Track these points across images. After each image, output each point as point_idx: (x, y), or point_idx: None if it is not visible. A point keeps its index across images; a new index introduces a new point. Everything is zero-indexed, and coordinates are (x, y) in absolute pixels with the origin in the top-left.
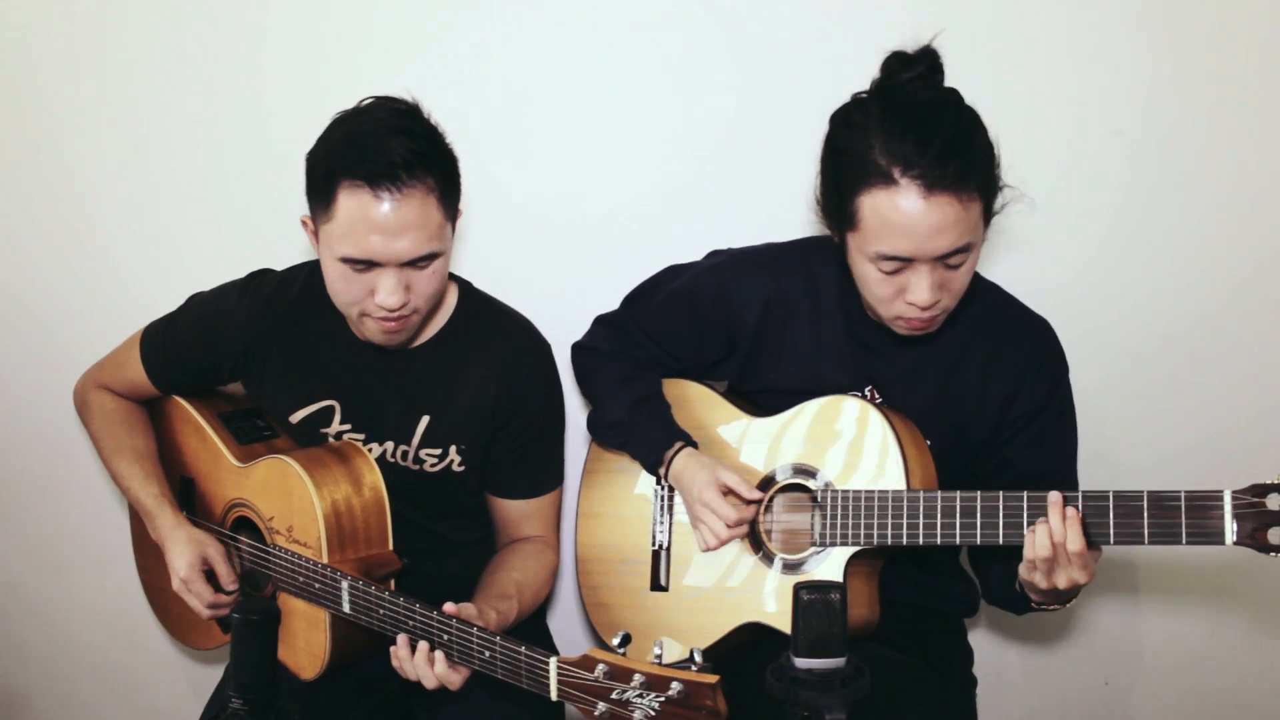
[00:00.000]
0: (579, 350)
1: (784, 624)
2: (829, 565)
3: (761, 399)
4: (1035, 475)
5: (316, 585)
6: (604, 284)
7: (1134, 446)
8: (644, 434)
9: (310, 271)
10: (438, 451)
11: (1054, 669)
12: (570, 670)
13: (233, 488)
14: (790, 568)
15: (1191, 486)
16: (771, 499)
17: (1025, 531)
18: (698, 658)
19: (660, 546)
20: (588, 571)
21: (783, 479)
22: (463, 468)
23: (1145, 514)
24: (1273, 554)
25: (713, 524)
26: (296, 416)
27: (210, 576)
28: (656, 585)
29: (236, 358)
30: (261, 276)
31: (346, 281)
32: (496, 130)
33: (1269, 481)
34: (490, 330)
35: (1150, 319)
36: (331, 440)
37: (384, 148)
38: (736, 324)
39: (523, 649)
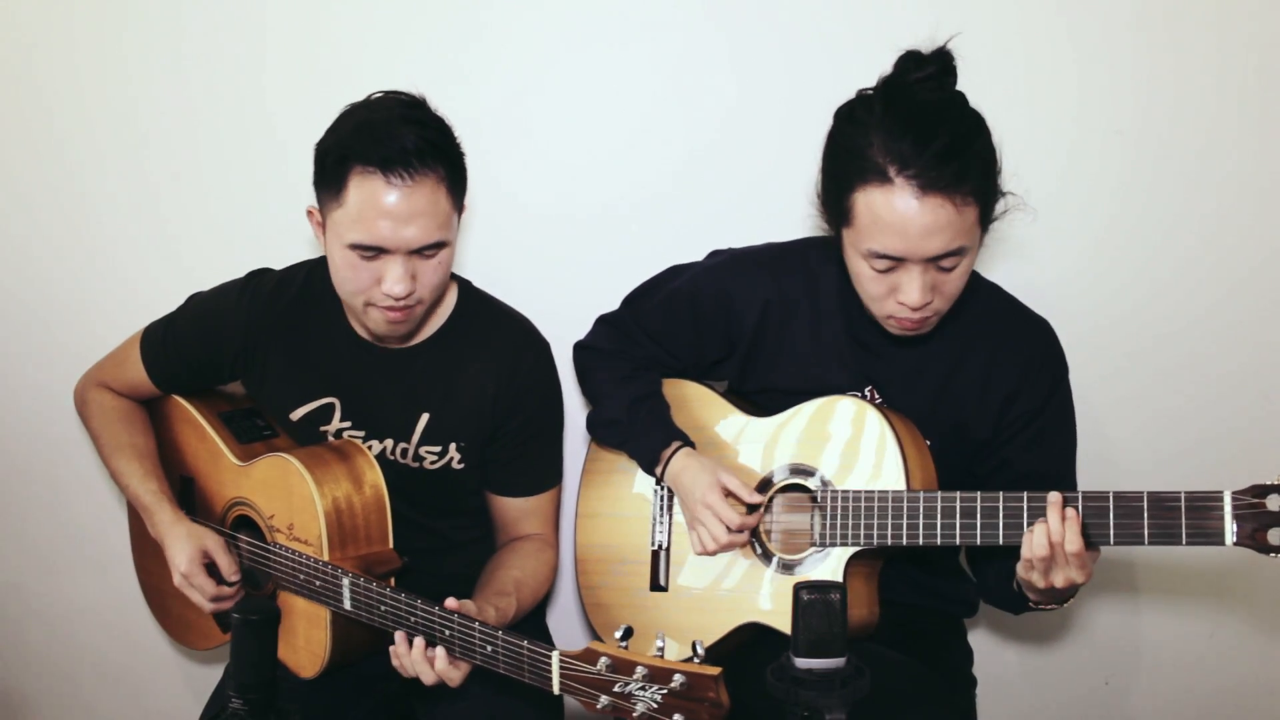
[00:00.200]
0: (580, 349)
1: (783, 624)
2: (829, 565)
3: (761, 399)
4: (1034, 475)
5: (317, 583)
6: (604, 283)
7: (1134, 447)
8: (642, 433)
9: (310, 270)
10: (437, 449)
11: (1054, 669)
12: (572, 664)
13: (232, 486)
14: (790, 568)
15: (1191, 487)
16: (771, 499)
17: (1025, 532)
18: (700, 650)
19: (660, 547)
20: (587, 571)
21: (781, 479)
22: (462, 465)
23: (1145, 515)
24: (1273, 555)
25: (713, 527)
26: (297, 414)
27: (212, 570)
28: (656, 585)
29: (236, 356)
30: (261, 275)
31: (353, 269)
32: (497, 129)
33: (1269, 482)
34: (490, 328)
35: (1150, 319)
36: (332, 439)
37: (396, 134)
38: (736, 324)
39: (525, 643)
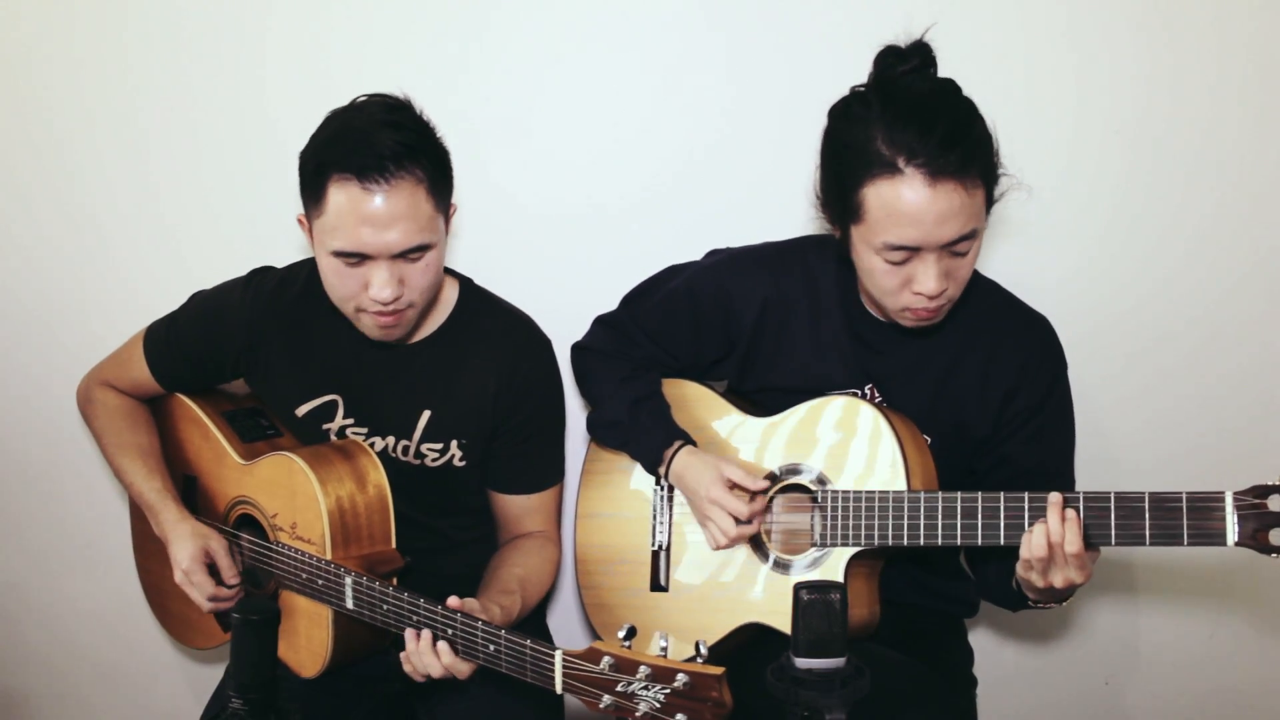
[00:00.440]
0: (579, 351)
1: (784, 624)
2: (829, 565)
3: (761, 398)
4: (1033, 472)
5: (320, 582)
6: (603, 282)
7: (1135, 446)
8: (643, 434)
9: (312, 268)
10: (439, 446)
11: (1054, 669)
12: (575, 663)
13: (235, 485)
14: (790, 568)
15: (1193, 487)
16: (771, 499)
17: (1025, 532)
18: (703, 650)
19: (660, 546)
20: (587, 572)
21: (781, 478)
22: (464, 463)
23: (1147, 515)
24: (1274, 555)
25: (722, 522)
26: (301, 410)
27: (212, 570)
28: (656, 585)
29: (239, 354)
30: (263, 273)
31: (340, 276)
32: (496, 129)
33: (1270, 483)
34: (490, 326)
35: (1150, 318)
36: (335, 437)
37: (371, 141)
38: (735, 323)
39: (528, 642)
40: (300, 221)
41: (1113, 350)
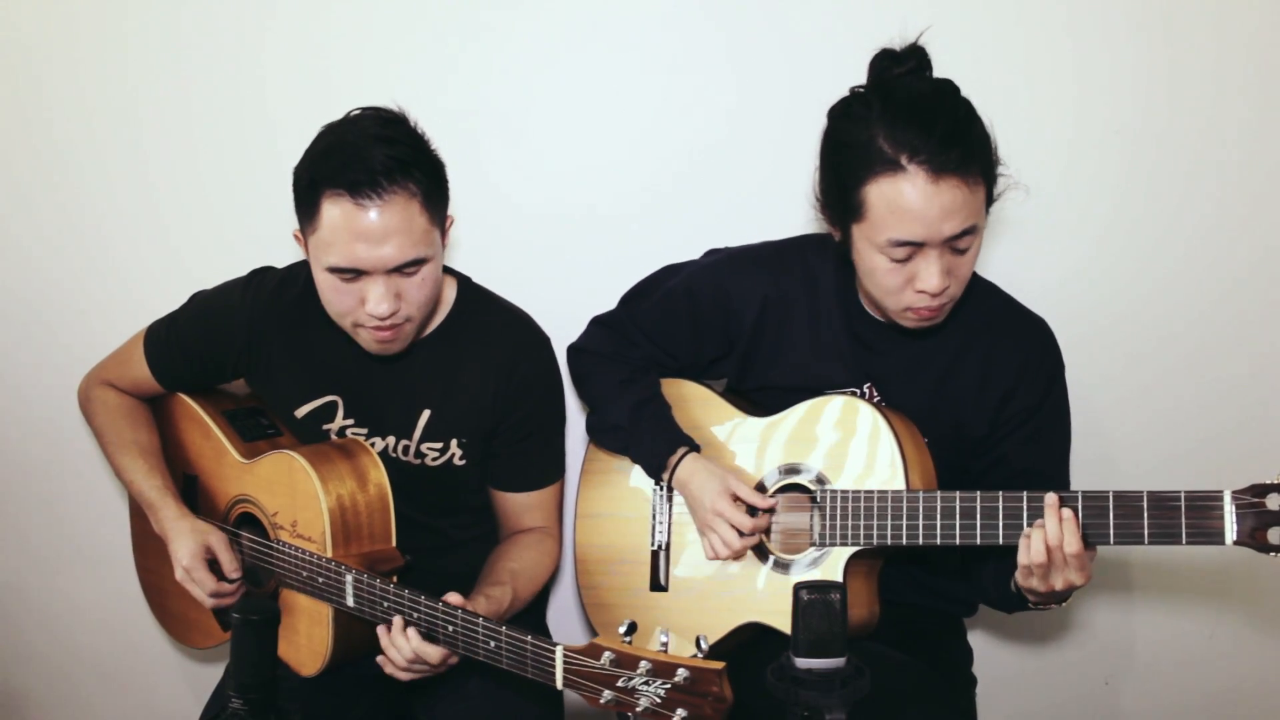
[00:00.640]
0: (575, 352)
1: (783, 624)
2: (828, 565)
3: (760, 397)
4: (1029, 473)
5: (320, 580)
6: (601, 282)
7: (1133, 447)
8: (646, 439)
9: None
10: (439, 446)
11: (1053, 669)
12: (576, 658)
13: (236, 484)
14: (789, 567)
15: (1192, 487)
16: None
17: (1022, 537)
18: (704, 645)
19: (659, 546)
20: (587, 571)
21: (778, 479)
22: (464, 462)
23: (1145, 514)
24: (1272, 554)
25: (726, 534)
26: (301, 411)
27: (213, 567)
28: (656, 585)
29: (240, 354)
30: (263, 274)
31: (337, 292)
32: (495, 129)
33: (1269, 481)
34: (489, 325)
35: (1150, 319)
36: (335, 437)
37: (364, 156)
38: (735, 322)
39: (529, 638)
40: (296, 237)
41: (1112, 351)
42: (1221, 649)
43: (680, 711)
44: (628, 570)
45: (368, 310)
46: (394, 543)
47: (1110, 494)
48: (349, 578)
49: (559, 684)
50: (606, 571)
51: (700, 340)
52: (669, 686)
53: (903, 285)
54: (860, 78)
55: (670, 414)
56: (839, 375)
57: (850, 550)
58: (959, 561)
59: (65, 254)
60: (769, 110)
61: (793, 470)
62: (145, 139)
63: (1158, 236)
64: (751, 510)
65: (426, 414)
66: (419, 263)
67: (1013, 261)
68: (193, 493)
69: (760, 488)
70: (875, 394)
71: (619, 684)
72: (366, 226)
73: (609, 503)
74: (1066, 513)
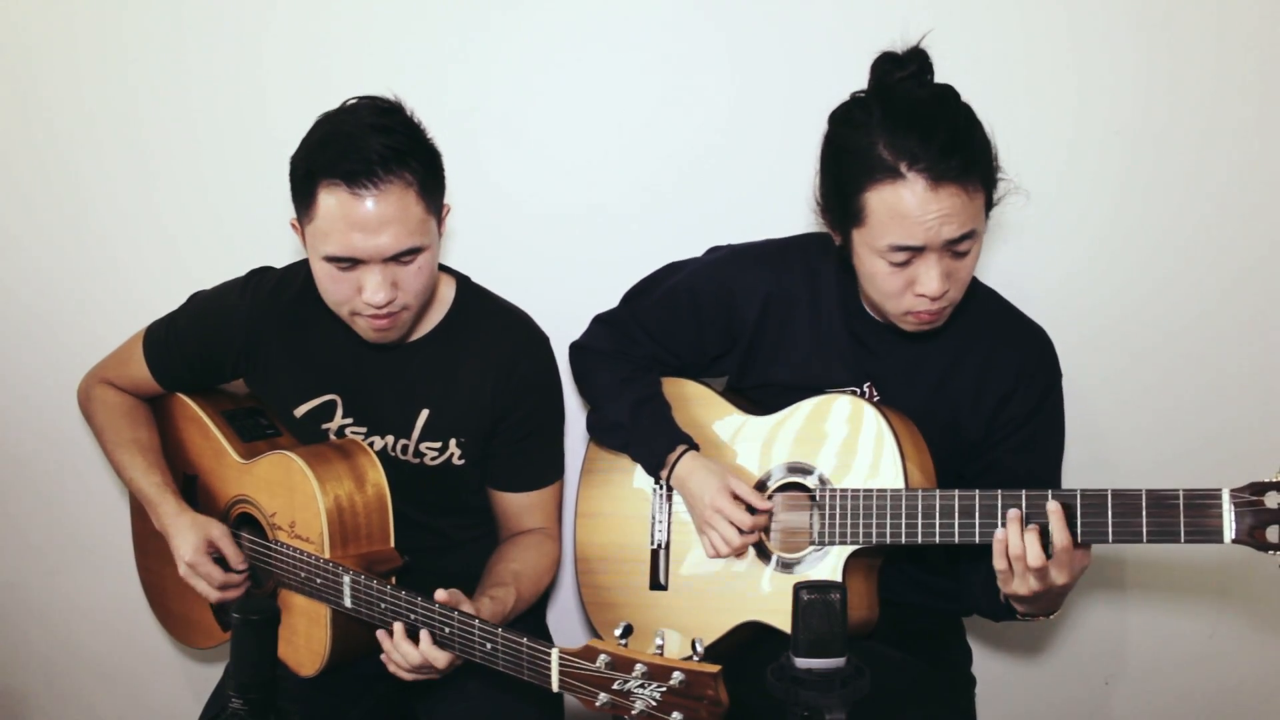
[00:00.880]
0: (577, 350)
1: (783, 622)
2: (828, 564)
3: (761, 394)
4: (1022, 480)
5: (318, 580)
6: (601, 281)
7: (1131, 450)
8: (645, 436)
9: (310, 269)
10: (437, 445)
11: (1053, 669)
12: (572, 661)
13: (235, 484)
14: (789, 566)
15: (1190, 485)
16: (769, 499)
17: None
18: (699, 648)
19: (659, 545)
20: (587, 570)
21: (779, 478)
22: (463, 461)
23: (1144, 512)
24: (1271, 552)
25: (726, 531)
26: (300, 410)
27: (218, 561)
28: (656, 584)
29: (239, 354)
30: (262, 274)
31: (333, 281)
32: (495, 128)
33: (1267, 479)
34: (488, 324)
35: (1149, 320)
36: (334, 437)
37: (360, 145)
38: (737, 319)
39: (524, 640)
40: (293, 226)
41: (1111, 352)
42: (1221, 648)
43: (676, 715)
44: (628, 569)
45: (365, 299)
46: (392, 543)
47: (1109, 492)
48: (346, 579)
49: (554, 686)
50: (606, 570)
51: (702, 337)
52: (665, 690)
53: (903, 289)
54: (861, 77)
55: (670, 413)
56: (839, 374)
57: (850, 549)
58: (955, 566)
59: (65, 254)
60: (769, 108)
61: (793, 469)
62: (145, 138)
63: (1157, 237)
64: (751, 509)
65: (425, 413)
66: (415, 251)
67: (1012, 262)
68: (192, 493)
69: (761, 487)
70: (875, 393)
71: (614, 687)
72: (363, 216)
73: (609, 502)
74: (1033, 541)
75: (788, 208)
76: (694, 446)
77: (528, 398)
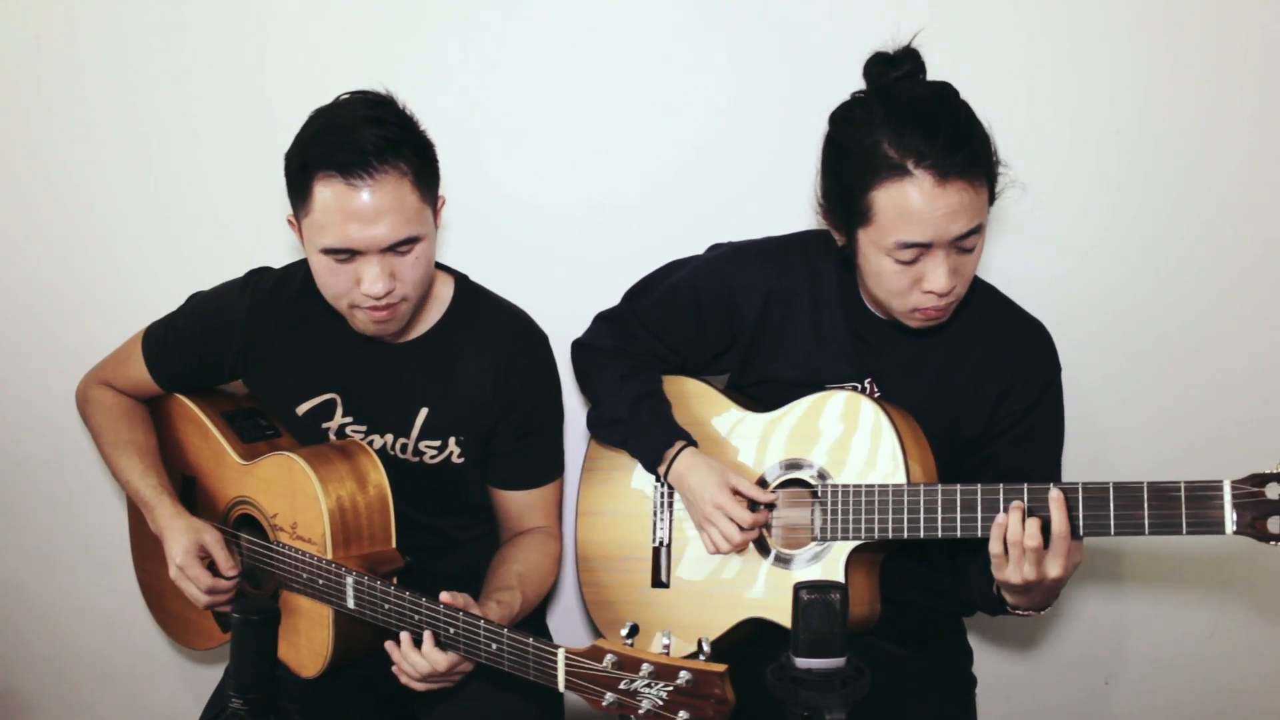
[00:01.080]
0: (579, 347)
1: (785, 619)
2: (829, 560)
3: (761, 391)
4: (1021, 474)
5: (320, 581)
6: (601, 279)
7: (1131, 446)
8: (644, 432)
9: (309, 268)
10: (437, 443)
11: (1053, 668)
12: (578, 661)
13: (235, 485)
14: (790, 562)
15: (1191, 478)
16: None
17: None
18: (706, 647)
19: (660, 543)
20: (588, 569)
21: (779, 474)
22: (462, 460)
23: (1145, 505)
24: (1273, 543)
25: (726, 528)
26: (300, 410)
27: (209, 567)
28: (657, 582)
29: (238, 354)
30: (261, 274)
31: (332, 274)
32: (495, 127)
33: (1268, 471)
34: (486, 322)
35: (1148, 317)
36: (334, 437)
37: (354, 137)
38: (738, 316)
39: (530, 640)
40: (290, 222)
41: (1110, 349)
42: (1224, 641)
43: (683, 714)
44: (629, 567)
45: (363, 290)
46: (394, 544)
47: (1110, 485)
48: (349, 579)
49: (561, 686)
50: (608, 568)
51: (704, 334)
52: (671, 689)
53: (910, 286)
54: (859, 74)
55: (669, 409)
56: (840, 370)
57: (851, 545)
58: (954, 558)
59: (65, 254)
60: (768, 106)
61: (794, 465)
62: (145, 138)
63: (1156, 235)
64: (752, 505)
65: (424, 412)
66: (412, 241)
67: (1011, 260)
68: (191, 494)
69: (762, 483)
70: (876, 389)
71: (621, 686)
72: (359, 207)
73: (610, 500)
74: (1032, 522)
75: (787, 206)
76: (692, 443)
77: (527, 396)
